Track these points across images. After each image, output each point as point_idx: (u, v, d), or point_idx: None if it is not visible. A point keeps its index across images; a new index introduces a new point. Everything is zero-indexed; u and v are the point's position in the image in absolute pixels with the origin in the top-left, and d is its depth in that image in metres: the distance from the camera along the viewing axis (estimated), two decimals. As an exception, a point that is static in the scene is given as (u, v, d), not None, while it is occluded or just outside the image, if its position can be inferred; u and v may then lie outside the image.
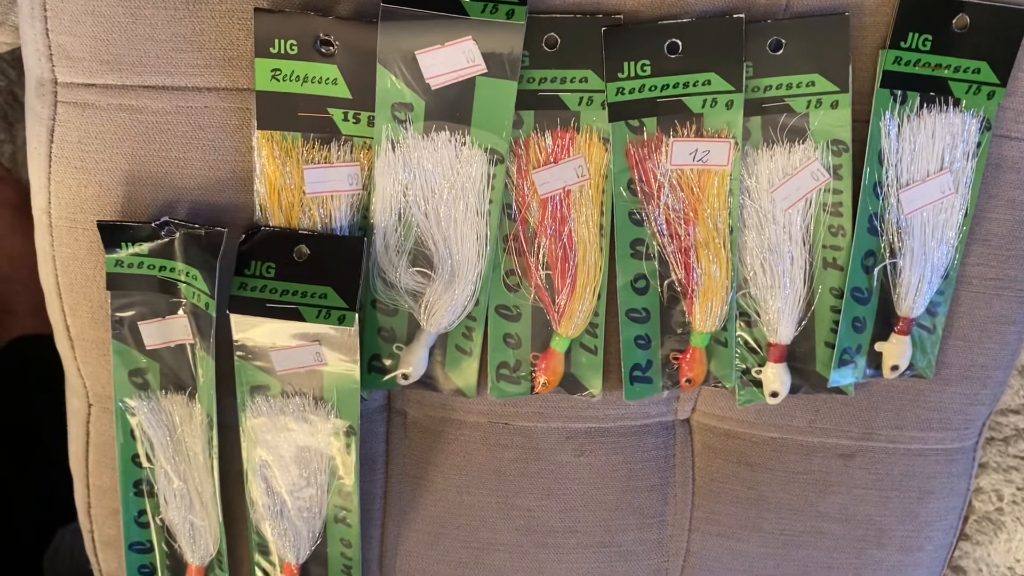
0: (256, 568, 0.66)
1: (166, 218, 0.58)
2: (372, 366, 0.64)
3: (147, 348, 0.61)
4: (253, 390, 0.61)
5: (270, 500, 0.64)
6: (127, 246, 0.59)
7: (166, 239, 0.59)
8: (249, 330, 0.59)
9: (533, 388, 0.64)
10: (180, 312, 0.60)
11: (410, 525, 0.71)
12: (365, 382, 0.64)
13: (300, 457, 0.63)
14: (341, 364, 0.60)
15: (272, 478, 0.64)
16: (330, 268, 0.58)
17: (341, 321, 0.57)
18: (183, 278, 0.59)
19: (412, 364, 0.63)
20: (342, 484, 0.64)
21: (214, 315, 0.59)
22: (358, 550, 0.65)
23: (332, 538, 0.65)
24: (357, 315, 0.58)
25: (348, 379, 0.60)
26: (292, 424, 0.62)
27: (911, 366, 0.64)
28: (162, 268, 0.59)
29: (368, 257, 0.60)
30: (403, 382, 0.63)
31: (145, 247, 0.59)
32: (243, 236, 0.58)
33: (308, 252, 0.58)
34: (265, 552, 0.66)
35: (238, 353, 0.60)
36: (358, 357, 0.59)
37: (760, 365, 0.64)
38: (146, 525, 0.66)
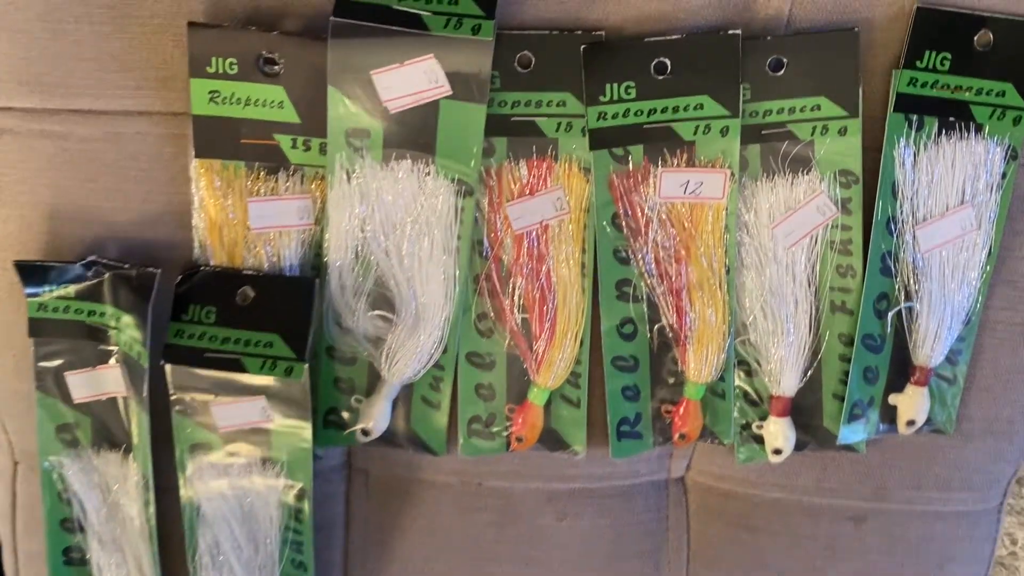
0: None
1: (93, 257, 0.52)
2: (328, 420, 0.58)
3: (75, 401, 0.55)
4: (193, 448, 0.55)
5: (216, 572, 0.58)
6: (51, 288, 0.53)
7: (94, 280, 0.53)
8: (186, 383, 0.53)
9: (509, 445, 0.58)
10: (111, 361, 0.54)
11: (374, 596, 0.64)
12: (321, 438, 0.58)
13: (247, 523, 0.57)
14: (291, 421, 0.54)
15: (217, 546, 0.57)
16: (277, 313, 0.52)
17: (288, 373, 0.51)
18: (113, 324, 0.53)
19: (373, 418, 0.57)
20: (295, 553, 0.57)
21: (147, 365, 0.52)
22: None
23: None
24: (307, 366, 0.51)
25: (298, 437, 0.54)
26: (237, 487, 0.56)
27: (929, 420, 0.58)
28: (90, 313, 0.53)
29: (321, 300, 0.54)
30: (363, 438, 0.57)
31: (71, 289, 0.53)
32: (180, 277, 0.53)
33: (253, 295, 0.52)
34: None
35: (176, 407, 0.54)
36: (309, 413, 0.53)
37: (761, 419, 0.58)
38: None
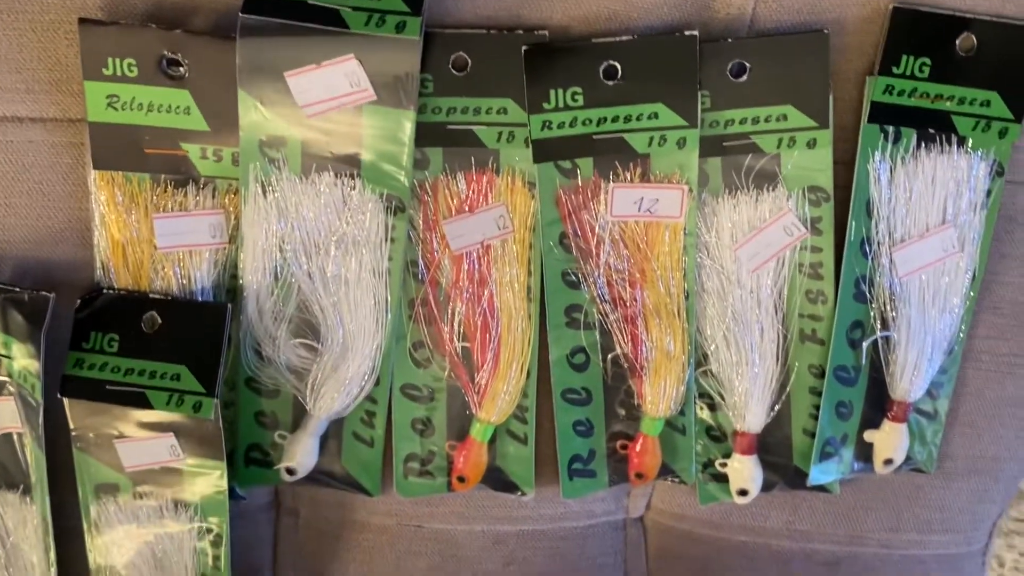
0: None
1: None
2: (251, 458, 0.53)
3: None
4: (99, 489, 0.50)
5: None
6: (-65, 313, 0.48)
7: None
8: (87, 418, 0.48)
9: (450, 485, 0.53)
10: (4, 393, 0.49)
11: (305, 648, 0.59)
12: (242, 477, 0.53)
13: (160, 571, 0.52)
14: (203, 460, 0.49)
15: None
16: (186, 342, 0.47)
17: (197, 410, 0.46)
18: (4, 352, 0.48)
19: (298, 456, 0.52)
20: None
21: (41, 399, 0.47)
22: None
23: None
24: (217, 401, 0.46)
25: (213, 478, 0.49)
26: (148, 532, 0.51)
27: (908, 459, 0.54)
28: None
29: (237, 325, 0.49)
30: (288, 477, 0.52)
31: None
32: (80, 301, 0.48)
33: (160, 322, 0.47)
34: None
35: (77, 445, 0.49)
36: (223, 452, 0.48)
37: (725, 456, 0.54)
38: None
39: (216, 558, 0.52)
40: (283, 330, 0.50)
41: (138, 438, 0.49)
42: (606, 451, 0.54)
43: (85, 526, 0.51)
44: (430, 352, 0.51)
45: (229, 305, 0.48)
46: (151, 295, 0.48)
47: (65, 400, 0.48)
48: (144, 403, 0.47)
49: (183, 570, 0.52)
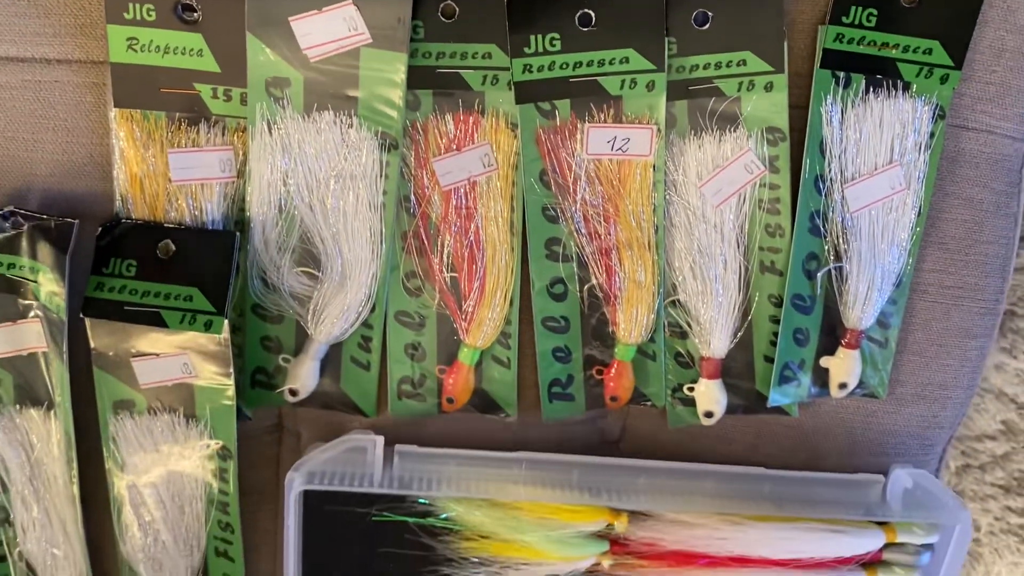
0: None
1: (11, 208, 0.51)
2: (256, 380, 0.57)
3: None
4: (116, 406, 0.54)
5: (141, 532, 0.57)
6: (-32, 241, 0.52)
7: (12, 232, 0.51)
8: (107, 338, 0.52)
9: (440, 406, 0.57)
10: (31, 316, 0.53)
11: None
12: (249, 399, 0.57)
13: (172, 483, 0.56)
14: (214, 377, 0.53)
15: (142, 506, 0.56)
16: (198, 267, 0.51)
17: (208, 327, 0.50)
18: (31, 277, 0.52)
19: (301, 379, 0.56)
20: (221, 514, 0.56)
21: (66, 320, 0.52)
22: None
23: (214, 573, 0.58)
24: (227, 320, 0.51)
25: (222, 394, 0.53)
26: (161, 445, 0.55)
27: (861, 384, 0.58)
28: (10, 266, 0.52)
29: (245, 254, 0.53)
30: (291, 399, 0.56)
31: None
32: (100, 229, 0.52)
33: (174, 248, 0.51)
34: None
35: (97, 364, 0.53)
36: (231, 370, 0.53)
37: (692, 382, 0.58)
38: (1, 558, 0.58)
39: (224, 471, 0.56)
40: (287, 259, 0.54)
41: (153, 357, 0.53)
42: (583, 376, 0.58)
43: (103, 440, 0.55)
44: (421, 281, 0.55)
45: (237, 233, 0.52)
46: (166, 224, 0.52)
47: (87, 320, 0.52)
48: (159, 322, 0.51)
49: (194, 483, 0.56)
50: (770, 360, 0.57)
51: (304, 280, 0.54)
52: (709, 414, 0.58)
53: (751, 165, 0.53)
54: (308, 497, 0.54)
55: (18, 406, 0.55)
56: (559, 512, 0.54)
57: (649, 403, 0.58)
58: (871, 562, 0.56)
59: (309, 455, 0.53)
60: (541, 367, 0.57)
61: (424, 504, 0.54)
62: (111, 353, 0.53)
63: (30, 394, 0.55)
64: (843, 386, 0.58)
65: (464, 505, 0.53)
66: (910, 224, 0.55)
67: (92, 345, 0.52)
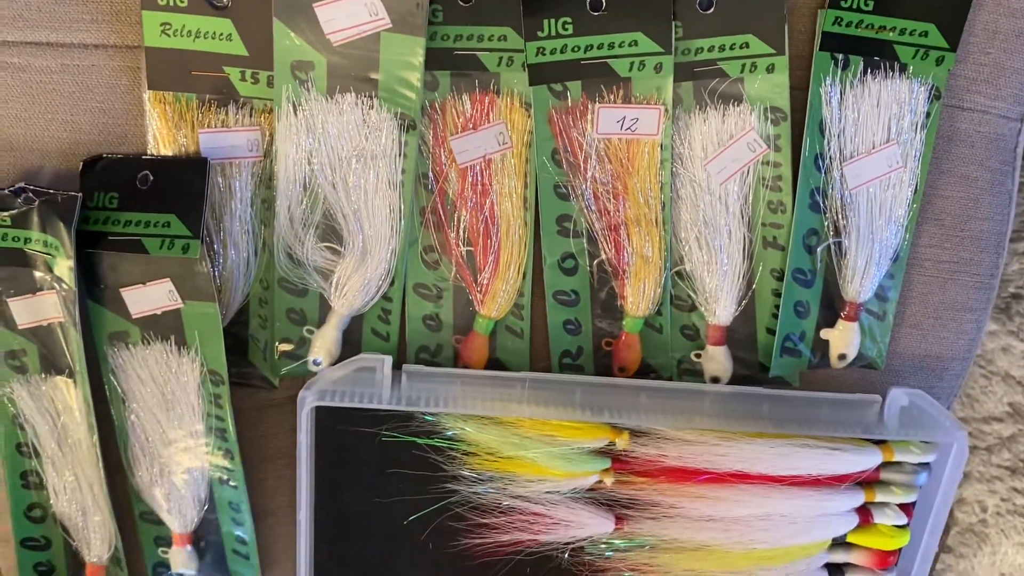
0: (150, 544, 0.62)
1: (22, 184, 0.54)
2: (282, 351, 0.59)
3: (19, 328, 0.57)
4: (111, 338, 0.57)
5: (147, 462, 0.60)
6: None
7: (24, 207, 0.54)
8: (97, 270, 0.55)
9: (456, 376, 0.60)
10: (48, 288, 0.56)
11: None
12: (275, 368, 0.60)
13: (170, 411, 0.58)
14: (198, 302, 0.55)
15: (147, 439, 0.59)
16: (173, 194, 0.54)
17: (185, 251, 0.53)
18: (45, 250, 0.55)
19: (324, 349, 0.59)
20: (221, 441, 0.59)
21: (76, 289, 0.54)
22: (248, 516, 0.61)
23: (220, 502, 0.61)
24: (201, 243, 0.53)
25: (209, 318, 0.56)
26: (156, 375, 0.58)
27: (860, 355, 0.60)
28: (26, 240, 0.55)
29: (271, 230, 0.56)
30: (316, 368, 0.59)
31: (7, 216, 0.54)
32: (82, 165, 0.54)
33: (152, 179, 0.54)
34: (153, 522, 0.62)
35: (91, 297, 0.56)
36: (213, 293, 0.55)
37: (698, 351, 0.60)
38: (40, 519, 0.61)
39: (218, 396, 0.58)
40: (311, 235, 0.57)
41: (140, 285, 0.55)
42: (592, 348, 0.60)
43: (102, 373, 0.57)
44: (438, 255, 0.58)
45: (208, 159, 0.53)
46: (143, 157, 0.54)
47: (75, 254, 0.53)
48: (141, 249, 0.53)
49: (191, 410, 0.58)
50: (772, 332, 0.59)
51: (327, 255, 0.57)
52: (716, 379, 0.60)
53: (754, 143, 0.55)
54: (320, 418, 0.56)
55: (43, 374, 0.58)
56: (562, 429, 0.56)
57: (655, 375, 0.61)
58: (869, 481, 0.58)
59: (321, 375, 0.56)
60: (552, 338, 0.59)
61: (431, 421, 0.56)
62: (102, 286, 0.55)
63: (53, 363, 0.58)
64: (842, 357, 0.60)
65: (469, 423, 0.56)
66: (907, 201, 0.57)
67: (84, 279, 0.55)
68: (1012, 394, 1.25)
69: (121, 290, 0.55)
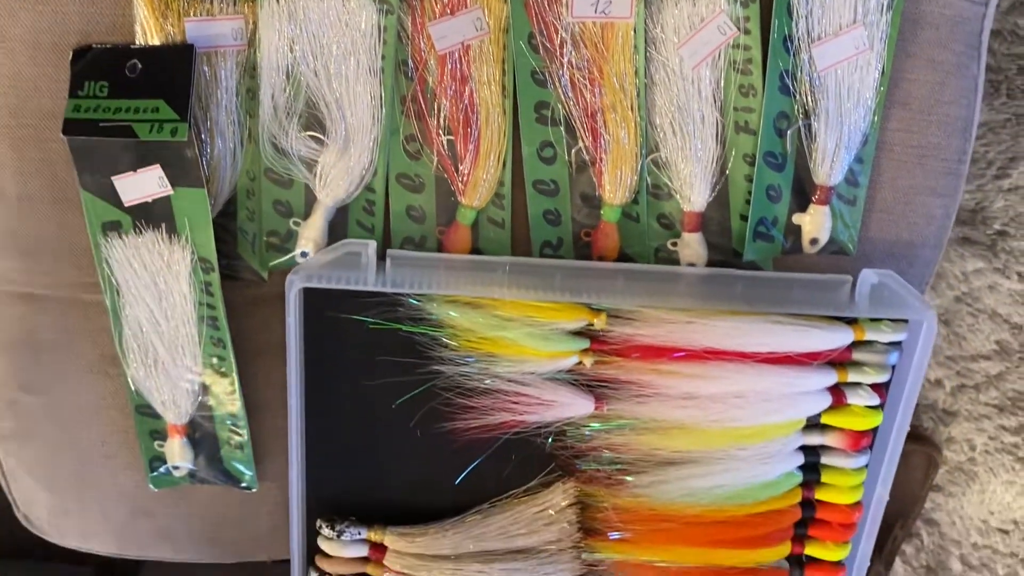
0: (146, 437, 0.65)
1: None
2: (270, 243, 0.61)
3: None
4: (105, 227, 0.58)
5: (141, 353, 0.61)
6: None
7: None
8: (88, 158, 0.56)
9: (439, 266, 0.62)
10: None
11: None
12: (263, 261, 0.61)
13: (164, 301, 0.60)
14: (187, 188, 0.57)
15: (139, 327, 0.61)
16: (161, 80, 0.55)
17: (174, 134, 0.54)
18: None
19: (311, 240, 0.60)
20: (212, 330, 0.61)
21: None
22: (241, 408, 0.63)
23: (215, 393, 0.63)
24: (190, 126, 0.55)
25: (198, 205, 0.57)
26: (149, 262, 0.59)
27: (832, 241, 0.62)
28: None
29: (256, 121, 0.57)
30: (302, 260, 0.61)
31: None
32: (72, 55, 0.56)
33: (140, 66, 0.55)
34: (149, 415, 0.64)
35: (83, 186, 0.57)
36: (202, 180, 0.56)
37: (675, 240, 0.62)
38: None
39: (208, 284, 0.59)
40: (294, 123, 0.58)
41: (131, 173, 0.56)
42: (572, 238, 0.62)
43: (96, 263, 0.59)
44: (420, 145, 0.60)
45: (194, 45, 0.55)
46: (131, 46, 0.56)
47: (66, 140, 0.55)
48: (131, 134, 0.54)
49: (183, 298, 0.60)
50: (746, 218, 0.61)
51: (311, 144, 0.59)
52: (691, 266, 0.62)
53: (724, 26, 0.57)
54: (308, 305, 0.58)
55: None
56: (542, 311, 0.58)
57: (633, 264, 0.63)
58: (842, 361, 0.60)
59: (308, 260, 0.58)
60: (533, 229, 0.61)
61: (416, 305, 0.58)
62: (96, 174, 0.57)
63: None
64: (814, 242, 0.62)
65: (453, 307, 0.58)
66: (874, 84, 0.59)
67: (75, 167, 0.56)
68: (999, 332, 1.27)
69: (113, 178, 0.57)
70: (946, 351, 1.25)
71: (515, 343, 0.59)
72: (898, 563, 1.28)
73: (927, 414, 1.26)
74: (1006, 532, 1.28)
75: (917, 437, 1.22)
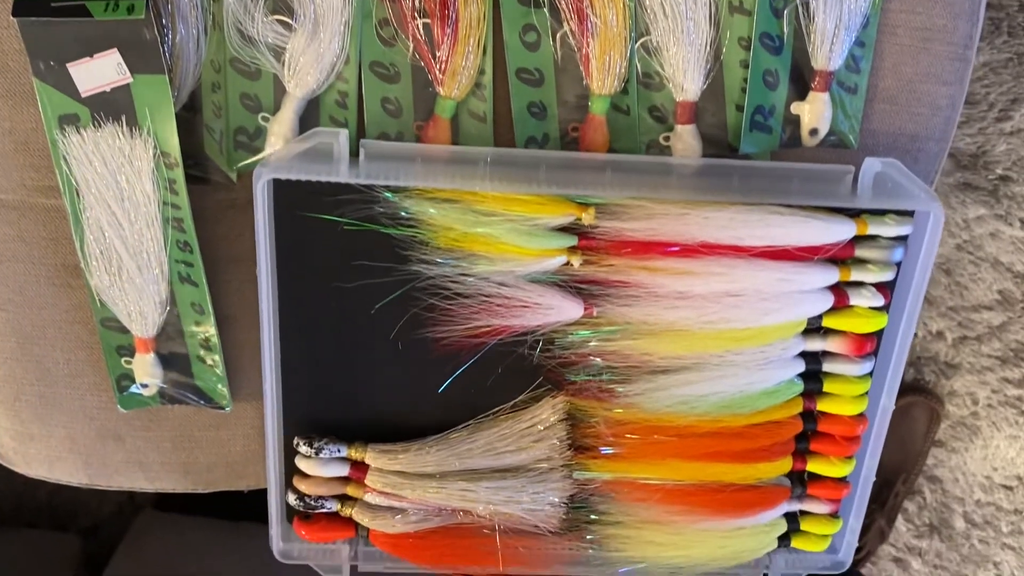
0: (112, 354, 0.61)
1: None
2: (238, 142, 0.58)
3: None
4: (62, 121, 0.54)
5: (105, 260, 0.58)
6: None
7: None
8: (41, 44, 0.52)
9: (419, 164, 0.58)
10: None
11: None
12: (231, 160, 0.58)
13: (127, 202, 0.56)
14: (146, 75, 0.53)
15: (101, 231, 0.57)
16: None
17: (131, 11, 0.51)
18: None
19: (281, 136, 0.57)
20: (178, 233, 0.57)
21: None
22: (212, 318, 0.60)
23: (183, 304, 0.60)
24: (147, 6, 0.51)
25: (159, 93, 0.53)
26: (109, 158, 0.55)
27: (833, 132, 0.59)
28: None
29: (220, 5, 0.54)
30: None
31: None
32: None
33: None
34: (115, 329, 0.61)
35: (36, 76, 0.53)
36: (163, 65, 0.53)
37: (667, 134, 0.58)
38: None
39: (172, 181, 0.56)
40: (260, 7, 0.55)
41: (87, 59, 0.52)
42: (559, 133, 0.59)
43: (53, 161, 0.55)
44: (394, 30, 0.56)
45: None
46: None
47: (19, 24, 0.51)
48: (85, 13, 0.51)
49: (146, 198, 0.56)
50: (742, 109, 0.57)
51: (279, 29, 0.55)
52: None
53: None
54: (279, 202, 0.55)
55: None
56: (526, 205, 0.54)
57: (624, 159, 0.59)
58: (844, 259, 0.57)
59: (277, 152, 0.55)
60: (517, 122, 0.58)
61: (392, 200, 0.55)
62: (50, 62, 0.53)
63: None
64: (814, 132, 0.58)
65: (432, 203, 0.54)
66: (876, -42, 0.55)
67: (28, 55, 0.52)
68: (1001, 281, 1.24)
69: (68, 66, 0.53)
70: (947, 301, 1.22)
71: (498, 240, 0.55)
72: (900, 522, 1.25)
73: (928, 367, 1.23)
74: (1010, 488, 1.26)
75: (918, 389, 1.20)
